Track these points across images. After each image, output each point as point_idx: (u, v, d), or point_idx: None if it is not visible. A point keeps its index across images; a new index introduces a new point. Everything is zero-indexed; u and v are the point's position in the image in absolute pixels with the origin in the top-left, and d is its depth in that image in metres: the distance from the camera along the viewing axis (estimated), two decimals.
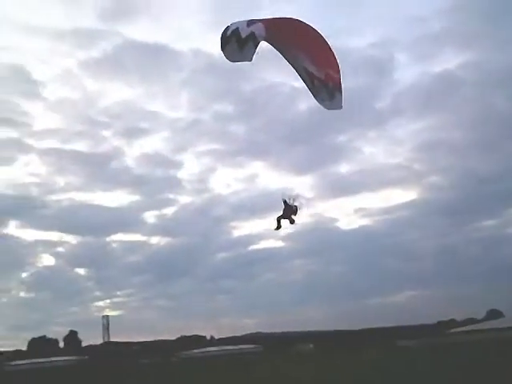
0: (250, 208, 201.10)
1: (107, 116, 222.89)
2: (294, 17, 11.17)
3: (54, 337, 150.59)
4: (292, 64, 11.23)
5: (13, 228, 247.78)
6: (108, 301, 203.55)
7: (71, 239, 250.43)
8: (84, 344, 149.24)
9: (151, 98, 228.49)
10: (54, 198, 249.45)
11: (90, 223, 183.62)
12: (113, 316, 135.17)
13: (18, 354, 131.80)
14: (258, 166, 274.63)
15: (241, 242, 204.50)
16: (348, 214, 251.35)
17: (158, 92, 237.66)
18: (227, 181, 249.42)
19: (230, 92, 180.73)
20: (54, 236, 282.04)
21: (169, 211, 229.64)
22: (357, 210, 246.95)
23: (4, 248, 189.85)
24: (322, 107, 11.47)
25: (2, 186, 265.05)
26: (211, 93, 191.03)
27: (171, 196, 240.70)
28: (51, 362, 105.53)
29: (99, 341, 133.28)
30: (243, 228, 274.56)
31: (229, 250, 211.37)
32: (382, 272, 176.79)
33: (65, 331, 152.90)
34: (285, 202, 12.70)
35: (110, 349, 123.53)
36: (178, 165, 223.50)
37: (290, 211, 12.70)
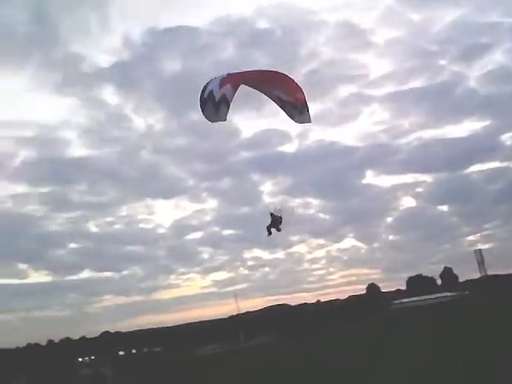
0: None
1: (439, 43, 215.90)
2: None
3: (429, 275, 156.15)
4: (268, 96, 14.31)
5: (370, 177, 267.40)
6: (478, 234, 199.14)
7: (427, 178, 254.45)
8: (461, 279, 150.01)
9: (485, 9, 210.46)
10: (402, 141, 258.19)
11: (444, 158, 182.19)
12: (485, 249, 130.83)
13: (398, 293, 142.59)
14: None
15: None
16: None
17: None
18: None
19: None
20: (409, 178, 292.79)
21: None
22: None
23: (367, 197, 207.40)
24: None
25: (355, 139, 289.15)
26: None
27: None
28: (431, 299, 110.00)
29: (476, 275, 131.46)
30: None
31: None
32: None
33: (439, 268, 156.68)
34: (271, 214, 15.41)
35: (487, 282, 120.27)
36: None
37: (276, 221, 15.41)
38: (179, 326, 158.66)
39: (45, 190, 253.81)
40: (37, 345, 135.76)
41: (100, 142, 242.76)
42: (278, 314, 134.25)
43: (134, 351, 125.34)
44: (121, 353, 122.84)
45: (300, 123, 14.71)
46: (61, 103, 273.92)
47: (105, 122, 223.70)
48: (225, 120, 12.94)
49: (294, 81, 14.11)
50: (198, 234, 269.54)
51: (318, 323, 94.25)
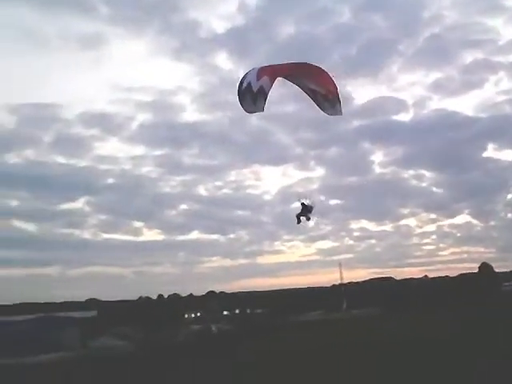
0: None
1: None
2: None
3: None
4: (301, 88, 14.65)
5: (492, 151, 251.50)
6: None
7: None
8: None
9: None
10: None
11: None
12: None
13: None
14: None
15: None
16: None
17: None
18: None
19: None
20: None
21: None
22: None
23: (486, 171, 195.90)
24: None
25: (477, 109, 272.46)
26: None
27: None
28: None
29: None
30: None
31: None
32: None
33: None
34: (302, 203, 15.93)
35: None
36: None
37: (306, 210, 15.89)
38: (282, 290, 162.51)
39: (160, 152, 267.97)
40: (148, 298, 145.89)
41: (212, 107, 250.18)
42: (382, 287, 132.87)
43: (237, 311, 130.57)
44: (225, 312, 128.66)
45: (330, 115, 14.92)
46: (177, 68, 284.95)
47: (218, 87, 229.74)
48: (262, 111, 13.38)
49: (327, 74, 14.42)
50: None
51: (424, 299, 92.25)
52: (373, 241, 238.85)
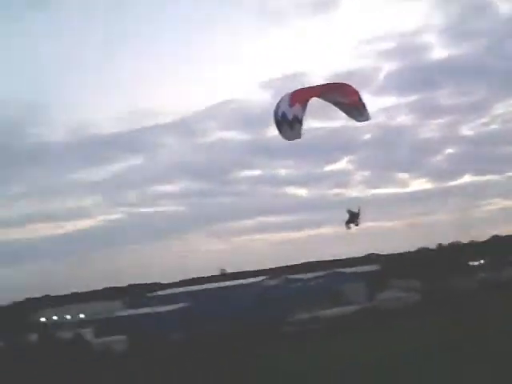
0: None
1: None
2: None
3: None
4: (331, 103, 16.41)
5: None
6: None
7: None
8: None
9: None
10: None
11: None
12: None
13: None
14: None
15: None
16: None
17: None
18: None
19: None
20: None
21: None
22: None
23: None
24: None
25: None
26: None
27: None
28: None
29: None
30: None
31: None
32: None
33: None
34: (349, 211, 17.38)
35: None
36: None
37: (353, 217, 17.37)
38: None
39: (413, 98, 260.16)
40: (427, 248, 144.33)
41: (461, 38, 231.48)
42: None
43: None
44: None
45: (359, 121, 16.53)
46: (416, 6, 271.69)
47: (463, 16, 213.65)
48: (299, 138, 15.02)
49: (351, 87, 15.96)
50: None
51: None
52: None
